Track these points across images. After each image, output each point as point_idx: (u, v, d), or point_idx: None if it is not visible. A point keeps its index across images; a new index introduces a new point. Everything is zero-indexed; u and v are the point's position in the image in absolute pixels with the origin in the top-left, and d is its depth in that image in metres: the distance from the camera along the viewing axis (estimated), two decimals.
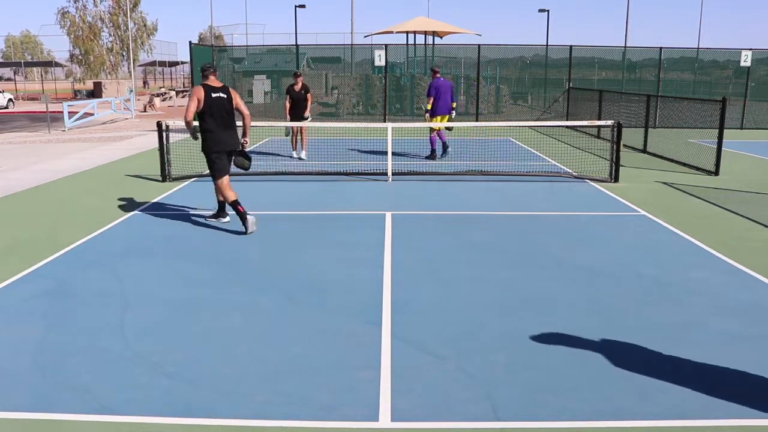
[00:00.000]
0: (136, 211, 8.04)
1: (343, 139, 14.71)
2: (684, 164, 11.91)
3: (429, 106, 12.19)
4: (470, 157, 12.72)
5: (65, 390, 3.58)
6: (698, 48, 25.61)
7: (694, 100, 16.85)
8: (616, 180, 10.17)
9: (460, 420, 3.30)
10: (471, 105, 22.11)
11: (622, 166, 10.94)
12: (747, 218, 7.76)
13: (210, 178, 7.43)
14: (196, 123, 7.00)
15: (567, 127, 18.34)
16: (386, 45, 20.83)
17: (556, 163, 12.18)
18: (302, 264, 5.90)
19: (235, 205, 6.95)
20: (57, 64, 56.82)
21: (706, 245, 6.54)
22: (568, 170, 11.32)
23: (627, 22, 38.69)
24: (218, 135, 6.98)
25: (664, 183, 10.21)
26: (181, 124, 7.35)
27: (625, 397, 3.51)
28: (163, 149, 10.15)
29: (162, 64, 57.09)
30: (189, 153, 10.74)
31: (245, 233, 6.87)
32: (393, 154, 10.75)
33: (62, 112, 20.32)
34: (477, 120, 20.44)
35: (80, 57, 54.84)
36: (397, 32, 25.09)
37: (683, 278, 5.52)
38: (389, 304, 4.87)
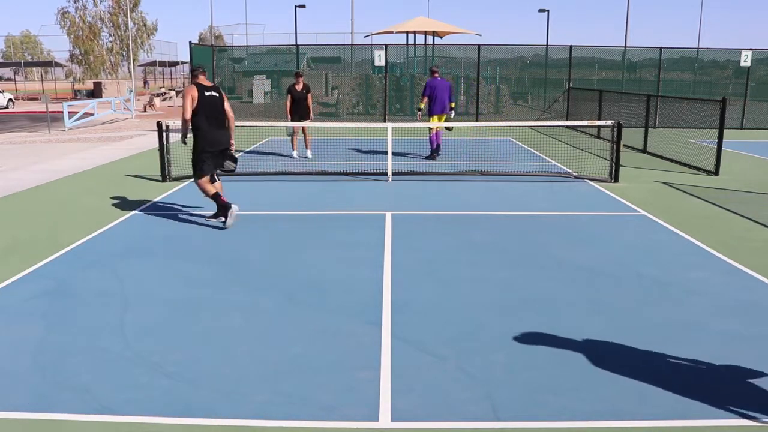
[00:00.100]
0: (136, 211, 8.05)
1: (343, 139, 14.71)
2: (684, 164, 11.91)
3: (422, 105, 12.38)
4: (470, 157, 12.72)
5: (65, 390, 3.58)
6: (698, 48, 25.63)
7: (694, 100, 16.84)
8: (616, 180, 10.17)
9: (460, 420, 3.30)
10: (471, 105, 22.12)
11: (622, 166, 10.94)
12: (747, 218, 7.76)
13: (210, 180, 7.46)
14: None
15: (567, 127, 18.34)
16: (386, 45, 20.84)
17: (556, 163, 12.18)
18: (302, 264, 5.90)
19: (216, 197, 7.13)
20: (57, 64, 56.79)
21: (706, 245, 6.54)
22: (568, 170, 11.32)
23: (627, 22, 38.72)
24: (211, 134, 7.13)
25: (664, 183, 10.21)
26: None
27: (625, 397, 3.51)
28: (163, 149, 10.15)
29: (162, 64, 57.07)
30: (189, 153, 10.69)
31: (223, 228, 7.07)
32: (393, 154, 10.75)
33: (62, 112, 20.32)
34: (477, 120, 20.44)
35: (80, 57, 54.84)
36: (397, 32, 25.10)
37: (683, 278, 5.52)
38: (389, 304, 4.87)
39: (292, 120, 12.29)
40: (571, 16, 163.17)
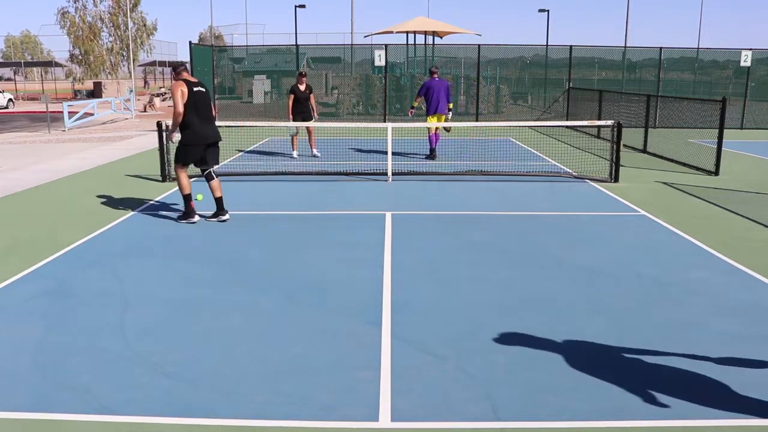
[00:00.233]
0: (136, 211, 8.05)
1: (343, 139, 14.71)
2: (684, 164, 11.91)
3: (415, 104, 12.70)
4: (470, 157, 12.72)
5: (65, 390, 3.58)
6: (698, 48, 25.62)
7: (694, 100, 16.84)
8: (616, 180, 10.17)
9: (460, 420, 3.30)
10: (471, 105, 22.12)
11: (622, 166, 10.94)
12: (747, 218, 7.76)
13: (206, 179, 7.47)
14: None
15: (567, 127, 18.34)
16: (386, 45, 20.84)
17: (556, 163, 12.18)
18: (302, 264, 5.90)
19: (187, 198, 7.34)
20: (57, 64, 56.79)
21: (706, 245, 6.54)
22: (568, 170, 11.32)
23: (627, 22, 38.72)
24: (201, 128, 7.28)
25: (664, 183, 10.21)
26: None
27: (625, 397, 3.51)
28: (163, 149, 10.16)
29: (162, 64, 57.03)
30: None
31: (176, 220, 7.38)
32: (393, 154, 10.75)
33: (62, 112, 20.32)
34: (477, 120, 20.44)
35: (80, 57, 54.81)
36: (397, 32, 25.12)
37: (683, 278, 5.52)
38: (389, 304, 4.87)
39: (294, 120, 12.29)
40: (571, 16, 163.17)
